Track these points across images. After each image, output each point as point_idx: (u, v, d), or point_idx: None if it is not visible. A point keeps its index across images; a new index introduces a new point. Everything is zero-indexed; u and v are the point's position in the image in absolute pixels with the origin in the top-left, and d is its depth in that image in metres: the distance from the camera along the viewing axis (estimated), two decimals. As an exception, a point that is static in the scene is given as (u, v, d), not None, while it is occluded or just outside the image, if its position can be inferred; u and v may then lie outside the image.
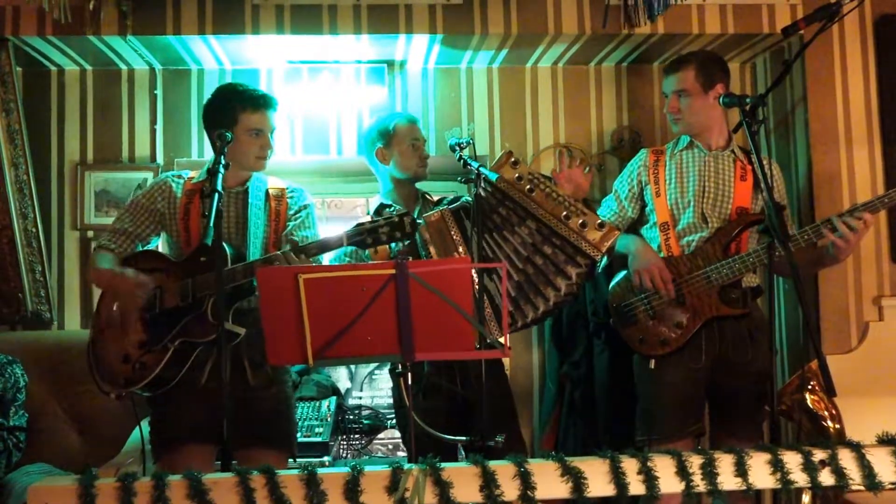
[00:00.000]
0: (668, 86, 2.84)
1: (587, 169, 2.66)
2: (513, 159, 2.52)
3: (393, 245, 2.70)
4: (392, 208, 2.75)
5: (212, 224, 2.13)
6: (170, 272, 2.50)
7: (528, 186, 2.48)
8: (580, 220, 2.43)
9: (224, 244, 2.44)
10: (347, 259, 2.76)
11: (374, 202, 2.87)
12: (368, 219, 2.78)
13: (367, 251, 2.72)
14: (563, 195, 2.47)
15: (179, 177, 2.69)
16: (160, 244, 2.86)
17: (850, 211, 2.57)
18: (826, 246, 2.63)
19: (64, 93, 3.67)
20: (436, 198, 2.87)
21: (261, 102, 2.59)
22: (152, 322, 2.46)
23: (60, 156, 3.65)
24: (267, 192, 2.66)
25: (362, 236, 2.29)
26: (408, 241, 2.40)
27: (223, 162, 2.29)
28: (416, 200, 2.82)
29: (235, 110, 2.56)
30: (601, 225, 2.44)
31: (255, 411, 2.49)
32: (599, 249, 2.43)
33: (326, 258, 2.77)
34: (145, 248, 2.66)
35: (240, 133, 2.55)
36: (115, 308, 2.53)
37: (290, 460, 2.63)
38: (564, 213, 2.45)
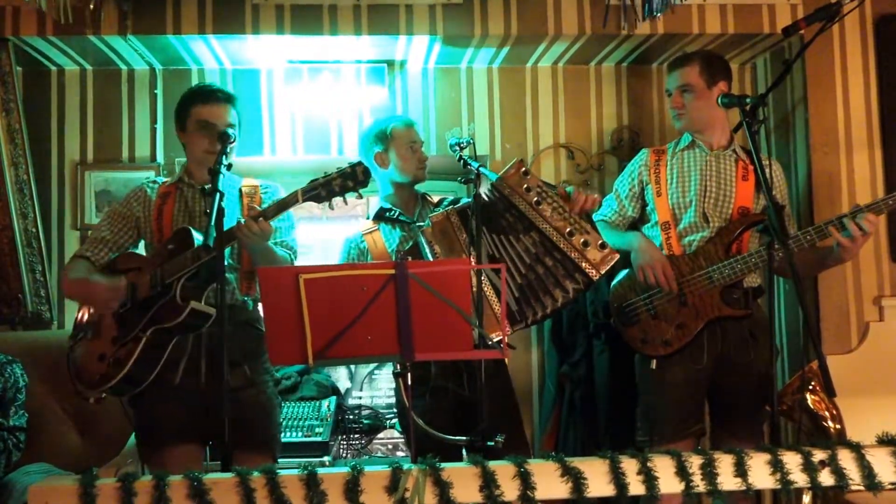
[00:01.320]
0: (671, 82, 2.84)
1: (596, 195, 2.65)
2: (523, 169, 2.52)
3: (395, 246, 2.71)
4: (392, 212, 2.76)
5: (212, 223, 2.13)
6: (143, 268, 2.50)
7: (535, 198, 2.49)
8: (583, 239, 2.45)
9: (191, 229, 2.45)
10: (352, 259, 2.76)
11: (374, 202, 2.87)
12: (368, 222, 2.81)
13: (369, 255, 2.72)
14: (570, 211, 2.48)
15: (154, 182, 2.71)
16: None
17: (854, 212, 2.57)
18: (830, 246, 2.63)
19: (64, 92, 3.67)
20: (436, 199, 2.87)
21: (211, 97, 2.59)
22: (125, 317, 2.46)
23: (61, 155, 3.65)
24: (240, 191, 2.67)
25: (317, 190, 2.31)
26: (359, 188, 2.37)
27: (224, 162, 2.30)
28: (416, 202, 2.83)
29: (188, 105, 2.59)
30: (603, 245, 2.45)
31: (234, 413, 2.44)
32: (598, 270, 2.45)
33: (334, 258, 2.77)
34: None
35: (190, 126, 2.57)
36: (90, 312, 2.55)
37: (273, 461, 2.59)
38: (569, 229, 2.46)
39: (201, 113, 2.56)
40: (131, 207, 2.65)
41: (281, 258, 2.54)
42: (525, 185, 2.50)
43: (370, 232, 2.77)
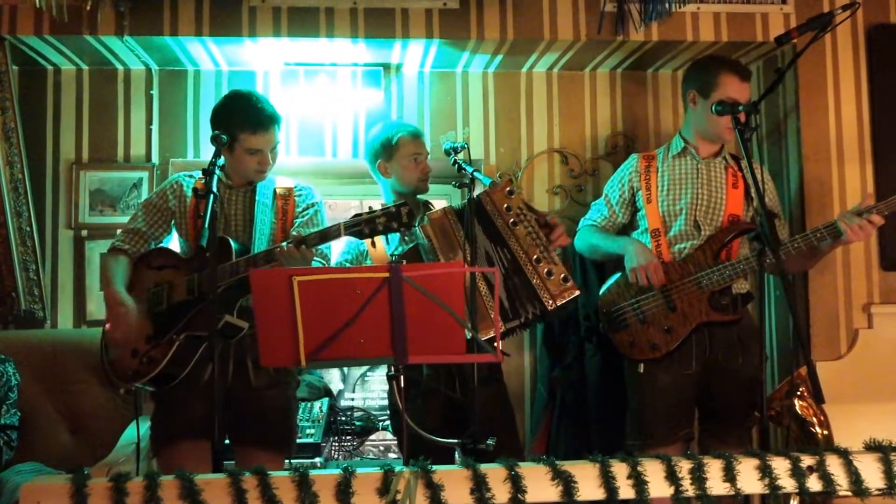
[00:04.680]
0: (746, 94, 2.77)
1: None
2: (509, 188, 2.56)
3: (393, 250, 2.72)
4: None
5: (206, 225, 2.15)
6: (179, 268, 2.57)
7: (512, 219, 2.53)
8: (547, 269, 2.49)
9: (230, 240, 2.53)
10: (350, 262, 2.77)
11: (368, 204, 2.87)
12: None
13: (369, 258, 2.73)
14: (543, 238, 2.51)
15: (191, 176, 2.76)
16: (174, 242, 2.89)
17: (860, 212, 2.61)
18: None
19: (60, 92, 3.66)
20: (437, 207, 2.88)
21: (259, 126, 2.60)
22: (160, 317, 2.52)
23: (56, 155, 3.64)
24: (274, 192, 2.71)
25: (360, 226, 2.33)
26: (405, 231, 2.43)
27: (219, 163, 2.32)
28: (418, 210, 2.83)
29: (236, 130, 2.59)
30: (565, 279, 2.49)
31: (256, 411, 2.53)
32: (555, 301, 2.48)
33: (332, 259, 2.79)
34: (157, 245, 2.73)
35: (238, 151, 2.60)
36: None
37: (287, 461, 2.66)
38: (536, 256, 2.50)
39: (251, 142, 2.60)
40: (167, 200, 2.71)
41: None
42: (506, 205, 2.54)
43: None
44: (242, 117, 2.60)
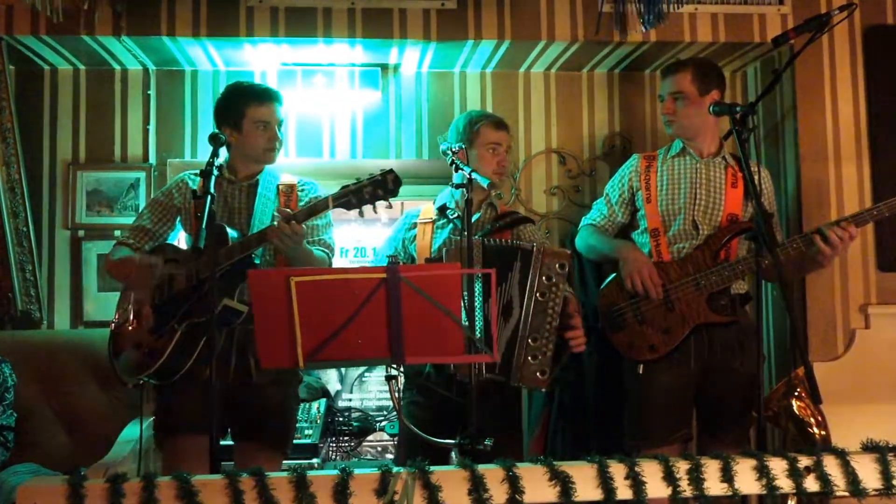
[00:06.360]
0: (664, 88, 2.86)
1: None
2: (564, 263, 2.49)
3: (437, 246, 2.68)
4: (452, 211, 2.72)
5: (204, 226, 2.15)
6: (180, 261, 2.58)
7: (544, 291, 2.46)
8: (536, 353, 2.45)
9: (226, 227, 2.53)
10: (397, 244, 2.76)
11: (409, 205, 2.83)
12: (432, 209, 2.78)
13: (414, 244, 2.71)
14: (556, 326, 2.46)
15: (196, 174, 2.75)
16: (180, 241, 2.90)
17: (838, 221, 2.61)
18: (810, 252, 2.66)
19: (57, 92, 3.66)
20: (502, 210, 2.82)
21: (266, 96, 2.69)
22: (161, 308, 2.54)
23: (52, 155, 3.64)
24: (278, 187, 2.73)
25: (347, 197, 2.35)
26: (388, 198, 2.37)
27: (216, 164, 2.34)
28: (479, 206, 2.75)
29: (242, 105, 2.65)
30: (542, 374, 2.45)
31: (256, 408, 2.53)
32: (517, 382, 2.45)
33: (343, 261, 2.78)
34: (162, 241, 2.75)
35: (247, 126, 2.64)
36: (132, 301, 2.62)
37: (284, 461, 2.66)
38: (535, 335, 2.45)
39: (258, 113, 2.65)
40: (172, 198, 2.73)
41: (318, 258, 2.60)
42: (550, 275, 2.47)
43: (425, 222, 2.74)
44: (247, 93, 2.70)
